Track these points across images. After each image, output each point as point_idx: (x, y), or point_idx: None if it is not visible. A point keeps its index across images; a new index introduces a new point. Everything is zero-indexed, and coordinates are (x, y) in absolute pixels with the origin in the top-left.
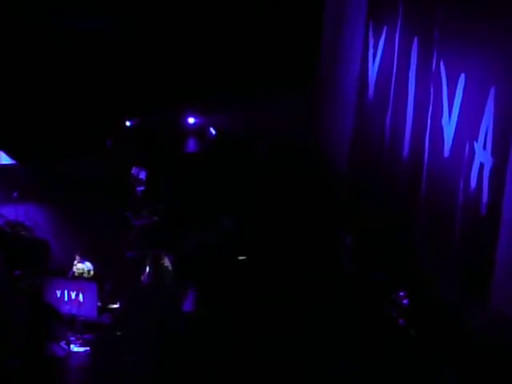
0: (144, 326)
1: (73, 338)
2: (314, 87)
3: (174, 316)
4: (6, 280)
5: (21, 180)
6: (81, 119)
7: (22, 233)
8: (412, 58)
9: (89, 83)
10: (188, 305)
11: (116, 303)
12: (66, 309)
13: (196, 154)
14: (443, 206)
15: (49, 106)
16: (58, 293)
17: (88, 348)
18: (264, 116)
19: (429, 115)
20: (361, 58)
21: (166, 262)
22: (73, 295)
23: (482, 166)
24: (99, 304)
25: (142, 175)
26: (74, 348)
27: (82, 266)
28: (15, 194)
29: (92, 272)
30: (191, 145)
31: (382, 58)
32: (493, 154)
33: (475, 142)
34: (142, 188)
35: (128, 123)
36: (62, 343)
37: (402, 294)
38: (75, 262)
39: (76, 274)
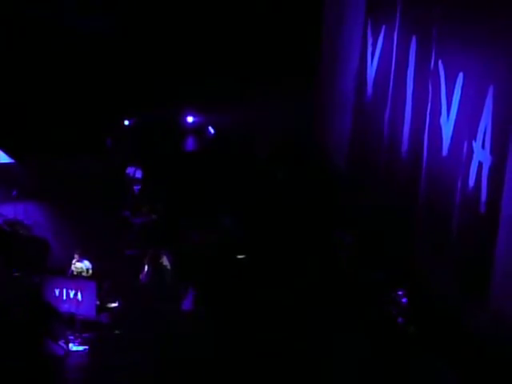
0: (143, 325)
1: (72, 337)
2: (313, 87)
3: (173, 315)
4: (5, 279)
5: (20, 179)
6: (80, 118)
7: (21, 231)
8: (410, 57)
9: (87, 82)
10: (187, 304)
11: (115, 302)
12: (64, 307)
13: (195, 153)
14: (442, 204)
15: (48, 104)
16: (57, 291)
17: (87, 347)
18: (264, 115)
19: (427, 114)
20: (359, 57)
21: (165, 261)
22: (71, 294)
23: (480, 164)
24: (98, 303)
25: (138, 174)
26: (73, 347)
27: (81, 265)
28: (14, 193)
29: (90, 271)
30: (190, 143)
31: (380, 56)
32: (491, 152)
33: (474, 141)
34: (138, 187)
35: (127, 122)
36: (61, 342)
37: (401, 292)
38: (74, 261)
39: (75, 273)
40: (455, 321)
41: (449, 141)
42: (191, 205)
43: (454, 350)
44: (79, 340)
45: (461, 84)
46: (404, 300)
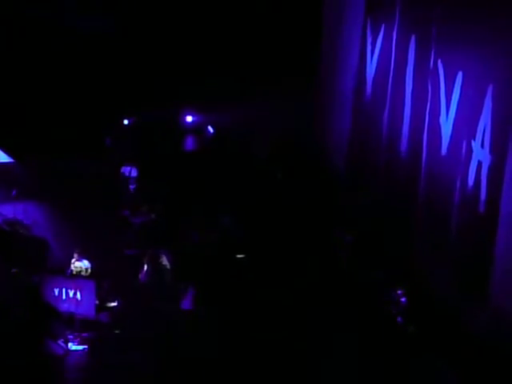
0: (142, 325)
1: (71, 336)
2: (313, 87)
3: (173, 314)
4: (5, 278)
5: (19, 178)
6: (79, 118)
7: (21, 231)
8: (410, 56)
9: (87, 82)
10: (187, 303)
11: (114, 301)
12: (64, 307)
13: (194, 153)
14: (441, 204)
15: (47, 104)
16: (56, 291)
17: (86, 346)
18: (264, 115)
19: (426, 113)
20: (359, 56)
21: (165, 261)
22: (71, 293)
23: (479, 164)
24: (97, 302)
25: (134, 173)
26: (72, 346)
27: (80, 264)
28: (14, 193)
29: (90, 270)
30: (189, 143)
31: (379, 55)
32: (491, 152)
33: (473, 140)
34: (133, 186)
35: (126, 122)
36: (61, 341)
37: (400, 292)
38: (73, 260)
39: (74, 273)
40: (455, 320)
41: (448, 140)
42: (191, 204)
43: (454, 350)
44: (78, 339)
45: (460, 83)
46: (403, 299)
